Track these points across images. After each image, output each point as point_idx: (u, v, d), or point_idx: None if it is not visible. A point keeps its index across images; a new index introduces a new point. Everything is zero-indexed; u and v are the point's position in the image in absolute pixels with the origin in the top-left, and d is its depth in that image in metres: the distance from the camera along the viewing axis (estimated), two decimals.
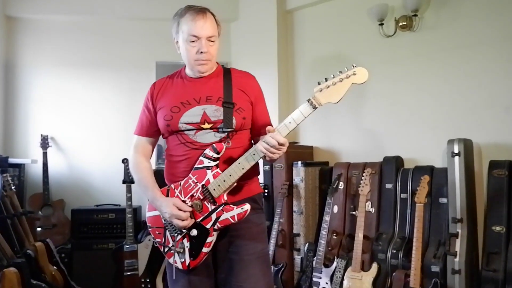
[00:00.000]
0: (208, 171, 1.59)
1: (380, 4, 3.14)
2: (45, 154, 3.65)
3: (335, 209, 3.09)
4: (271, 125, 1.81)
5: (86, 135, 3.87)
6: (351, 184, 3.07)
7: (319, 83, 1.53)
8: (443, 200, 2.68)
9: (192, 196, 1.60)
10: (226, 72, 1.73)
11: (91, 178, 3.85)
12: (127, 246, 3.14)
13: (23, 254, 2.70)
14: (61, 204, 3.69)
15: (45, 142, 3.67)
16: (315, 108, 1.54)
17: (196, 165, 1.61)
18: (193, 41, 1.62)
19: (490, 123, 2.78)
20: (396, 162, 2.98)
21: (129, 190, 3.20)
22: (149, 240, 3.18)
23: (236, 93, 1.67)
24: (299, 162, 3.21)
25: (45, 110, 3.85)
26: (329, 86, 1.52)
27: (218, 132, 1.62)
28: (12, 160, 3.52)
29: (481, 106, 2.82)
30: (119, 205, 3.56)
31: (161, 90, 1.74)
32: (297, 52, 3.81)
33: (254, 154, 1.56)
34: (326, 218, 2.90)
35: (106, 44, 3.92)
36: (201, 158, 1.60)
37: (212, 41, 1.64)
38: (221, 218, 1.57)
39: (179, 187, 1.63)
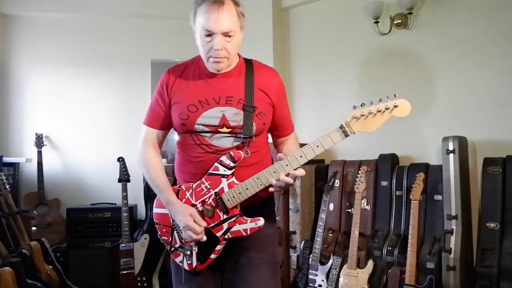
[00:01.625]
0: (223, 180, 1.51)
1: (375, 1, 3.14)
2: (40, 153, 3.63)
3: (331, 206, 3.10)
4: (292, 126, 1.72)
5: (81, 134, 3.85)
6: (346, 182, 3.08)
7: (354, 108, 1.43)
8: (438, 197, 2.69)
9: (203, 201, 1.53)
10: (248, 67, 1.59)
11: (86, 177, 3.83)
12: (123, 244, 3.13)
13: (18, 254, 2.69)
14: (56, 203, 3.67)
15: (39, 141, 3.65)
16: (347, 136, 1.44)
17: (210, 171, 1.52)
18: (207, 36, 1.46)
19: (485, 120, 2.79)
20: (391, 160, 2.99)
21: (124, 189, 3.19)
22: (145, 238, 3.18)
23: (258, 94, 1.55)
24: None
25: (40, 108, 3.83)
26: (366, 116, 1.42)
27: (236, 137, 1.52)
28: (6, 159, 3.51)
29: (476, 104, 2.84)
30: (115, 204, 3.55)
31: (177, 81, 1.58)
32: (292, 49, 3.81)
33: (274, 172, 1.46)
34: (322, 215, 2.91)
35: (101, 42, 3.90)
36: (216, 164, 1.51)
37: (229, 36, 1.46)
38: (232, 229, 1.51)
39: (191, 190, 1.55)
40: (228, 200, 1.50)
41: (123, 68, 3.90)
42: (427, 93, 3.05)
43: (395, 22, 3.12)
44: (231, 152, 1.50)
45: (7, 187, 3.04)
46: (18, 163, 3.63)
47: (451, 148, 2.59)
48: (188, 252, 1.56)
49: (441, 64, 2.99)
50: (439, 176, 2.67)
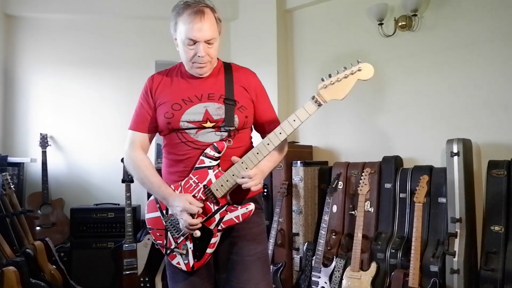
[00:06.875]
0: (210, 171, 1.55)
1: (380, 3, 3.14)
2: (44, 153, 3.64)
3: (334, 208, 3.09)
4: (277, 120, 1.74)
5: (85, 134, 3.87)
6: (350, 184, 3.07)
7: (322, 80, 1.47)
8: (442, 199, 2.69)
9: (193, 196, 1.56)
10: (227, 68, 1.68)
11: (90, 177, 3.84)
12: (126, 245, 3.14)
13: (22, 253, 2.70)
14: (60, 203, 3.69)
15: (44, 141, 3.67)
16: (319, 105, 1.49)
17: (196, 165, 1.57)
18: (190, 44, 1.55)
19: (489, 123, 2.78)
20: (395, 162, 2.98)
21: (128, 189, 3.20)
22: (148, 239, 3.18)
23: (238, 90, 1.62)
24: (299, 162, 3.21)
25: (45, 109, 3.85)
26: (333, 83, 1.47)
27: (220, 131, 1.57)
28: (11, 159, 3.52)
29: (480, 106, 2.82)
30: (118, 204, 3.56)
31: (160, 84, 1.66)
32: (296, 51, 3.81)
33: (257, 153, 1.51)
34: (325, 217, 2.90)
35: (105, 43, 3.91)
36: (201, 157, 1.56)
37: (211, 43, 1.56)
38: (225, 219, 1.54)
39: (179, 188, 1.58)
40: (217, 190, 1.54)
41: (127, 69, 3.90)
42: (431, 95, 3.04)
43: (400, 24, 3.11)
44: (215, 143, 1.56)
45: (12, 186, 3.06)
46: (23, 163, 3.64)
47: (455, 150, 2.57)
48: (184, 251, 1.58)
49: (445, 66, 2.98)
50: (443, 178, 2.66)
